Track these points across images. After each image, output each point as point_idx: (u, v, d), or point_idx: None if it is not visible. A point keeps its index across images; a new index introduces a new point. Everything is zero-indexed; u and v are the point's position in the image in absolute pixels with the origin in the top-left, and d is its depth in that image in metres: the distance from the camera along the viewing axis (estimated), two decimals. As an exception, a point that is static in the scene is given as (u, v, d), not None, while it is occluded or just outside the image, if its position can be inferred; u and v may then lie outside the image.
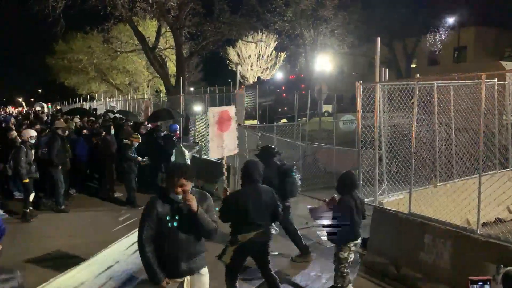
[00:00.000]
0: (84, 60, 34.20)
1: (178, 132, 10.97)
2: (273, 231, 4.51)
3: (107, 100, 32.03)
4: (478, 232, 4.85)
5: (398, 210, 5.92)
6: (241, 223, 4.39)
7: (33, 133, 8.70)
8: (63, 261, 6.16)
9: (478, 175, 5.08)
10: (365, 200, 6.43)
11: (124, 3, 18.90)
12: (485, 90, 5.14)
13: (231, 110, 6.23)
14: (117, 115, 17.69)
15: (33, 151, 8.46)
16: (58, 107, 36.19)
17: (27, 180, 8.21)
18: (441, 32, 29.37)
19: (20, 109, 38.76)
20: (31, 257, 6.33)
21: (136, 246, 6.56)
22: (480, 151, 5.12)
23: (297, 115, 16.67)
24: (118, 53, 29.72)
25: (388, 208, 6.10)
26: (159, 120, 14.42)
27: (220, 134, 5.84)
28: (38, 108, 32.62)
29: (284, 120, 23.38)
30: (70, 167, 9.58)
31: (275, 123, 17.07)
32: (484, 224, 5.31)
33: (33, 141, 8.55)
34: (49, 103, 41.59)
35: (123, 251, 6.55)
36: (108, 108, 25.08)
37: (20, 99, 59.75)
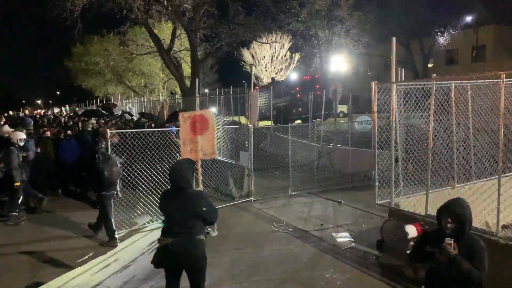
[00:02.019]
0: (101, 62, 34.79)
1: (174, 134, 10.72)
2: (202, 237, 3.96)
3: (123, 102, 32.50)
4: (498, 235, 4.76)
5: (415, 211, 5.84)
6: (164, 226, 4.00)
7: (22, 135, 8.43)
8: (80, 260, 6.26)
9: (497, 176, 4.99)
10: (381, 201, 6.37)
11: (139, 6, 19.15)
12: (505, 90, 5.03)
13: (206, 113, 6.23)
14: (129, 116, 17.86)
15: (21, 153, 8.25)
16: (77, 108, 36.83)
17: (18, 184, 8.01)
18: (459, 31, 28.89)
19: (38, 111, 39.56)
20: (47, 256, 6.44)
21: (153, 246, 6.65)
22: (500, 152, 5.02)
23: (311, 115, 16.63)
24: (134, 55, 30.14)
25: (404, 209, 6.03)
26: (177, 121, 14.47)
27: (192, 138, 5.93)
28: (57, 110, 33.28)
29: (299, 121, 23.32)
30: (55, 169, 9.68)
31: (289, 124, 17.03)
32: (504, 227, 5.19)
33: (22, 144, 8.30)
34: (67, 105, 42.35)
35: (140, 251, 6.63)
36: (125, 110, 25.40)
37: (39, 102, 61.00)
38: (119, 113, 22.79)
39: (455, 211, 3.22)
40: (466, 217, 3.22)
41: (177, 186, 3.98)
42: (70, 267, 5.96)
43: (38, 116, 27.55)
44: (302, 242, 7.11)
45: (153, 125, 14.65)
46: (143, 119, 17.50)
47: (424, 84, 6.55)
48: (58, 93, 77.99)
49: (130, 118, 19.97)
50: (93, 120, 15.13)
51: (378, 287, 5.43)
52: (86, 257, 6.39)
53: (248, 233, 7.61)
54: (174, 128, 10.75)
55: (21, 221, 8.22)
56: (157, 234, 7.39)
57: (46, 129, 10.85)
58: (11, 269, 6.00)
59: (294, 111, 25.26)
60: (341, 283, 5.50)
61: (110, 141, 9.09)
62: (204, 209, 3.91)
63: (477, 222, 5.52)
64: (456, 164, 6.87)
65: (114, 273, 5.82)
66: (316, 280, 5.59)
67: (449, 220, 3.22)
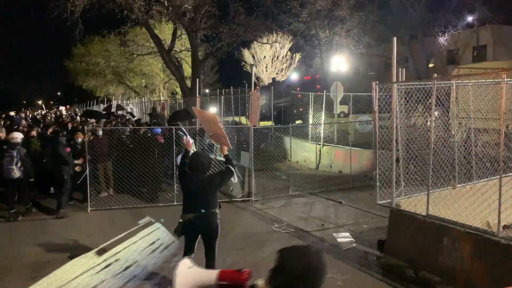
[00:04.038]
0: (101, 63, 34.77)
1: (160, 136, 10.74)
2: (216, 210, 4.87)
3: (124, 102, 32.49)
4: (499, 235, 4.74)
5: (416, 212, 5.83)
6: (184, 204, 4.95)
7: (18, 135, 8.70)
8: (84, 260, 6.27)
9: (498, 176, 4.97)
10: (382, 202, 6.37)
11: (140, 6, 19.14)
12: (506, 89, 5.02)
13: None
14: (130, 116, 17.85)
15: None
16: (77, 110, 36.88)
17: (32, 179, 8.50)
18: (460, 31, 28.86)
19: (39, 111, 39.61)
20: (50, 256, 6.44)
21: (153, 247, 6.66)
22: (501, 152, 5.01)
23: (312, 116, 16.62)
24: (135, 56, 30.12)
25: (405, 210, 6.02)
26: (178, 121, 14.57)
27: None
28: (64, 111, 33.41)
29: (299, 121, 23.31)
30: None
31: (290, 124, 17.01)
32: (505, 227, 5.17)
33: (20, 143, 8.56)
34: (68, 106, 42.38)
35: (140, 252, 6.63)
36: (128, 111, 25.35)
37: (39, 102, 61.07)
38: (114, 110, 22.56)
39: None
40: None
41: (196, 171, 4.88)
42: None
43: (39, 116, 27.63)
44: (303, 242, 7.11)
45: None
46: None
47: (425, 84, 6.54)
48: (58, 93, 78.06)
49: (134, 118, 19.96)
50: (93, 120, 15.12)
51: (379, 287, 5.42)
52: (85, 256, 6.41)
53: (248, 233, 7.60)
54: (159, 129, 10.86)
55: (18, 217, 8.41)
56: (158, 235, 7.43)
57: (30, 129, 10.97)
58: (13, 269, 6.01)
59: (295, 111, 25.24)
60: (342, 283, 5.49)
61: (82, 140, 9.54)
62: (218, 183, 4.97)
63: (478, 222, 5.51)
64: (457, 164, 6.86)
65: (115, 273, 5.82)
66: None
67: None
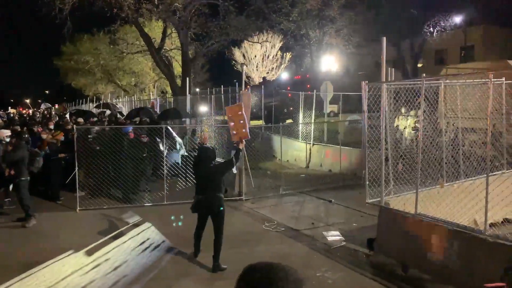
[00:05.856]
0: (91, 61, 34.47)
1: (131, 133, 10.72)
2: (221, 195, 5.88)
3: (113, 101, 32.21)
4: (486, 233, 4.82)
5: (405, 210, 5.90)
6: (196, 187, 6.08)
7: (7, 133, 8.73)
8: (74, 260, 6.21)
9: (485, 175, 5.05)
10: (372, 200, 6.42)
11: (130, 5, 18.98)
12: (493, 89, 5.10)
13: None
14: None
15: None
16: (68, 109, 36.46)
17: None
18: (448, 31, 29.20)
19: (26, 110, 39.05)
20: (42, 256, 6.37)
21: (143, 247, 6.65)
22: (487, 151, 5.09)
23: (302, 115, 16.68)
24: (125, 54, 29.87)
25: (394, 208, 6.08)
26: (167, 119, 14.55)
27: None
28: (43, 107, 32.86)
29: (290, 120, 23.36)
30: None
31: (280, 123, 17.03)
32: (491, 225, 5.26)
33: (8, 140, 8.51)
34: (56, 105, 41.88)
35: (130, 252, 6.59)
36: (117, 110, 25.12)
37: (27, 101, 60.20)
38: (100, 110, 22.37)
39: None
40: None
41: (204, 160, 5.91)
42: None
43: (26, 114, 27.27)
44: (294, 241, 7.13)
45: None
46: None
47: (414, 84, 6.60)
48: (47, 92, 77.04)
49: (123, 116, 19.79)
50: (81, 119, 14.99)
51: (369, 286, 5.47)
52: (75, 256, 6.36)
53: (239, 233, 7.60)
54: (130, 128, 10.90)
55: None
56: (147, 234, 7.40)
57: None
58: (1, 269, 5.94)
59: (285, 110, 25.28)
60: (332, 282, 5.53)
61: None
62: (221, 171, 6.00)
63: (466, 220, 5.60)
64: (445, 163, 6.95)
65: (105, 273, 5.79)
66: (308, 279, 5.60)
67: None
